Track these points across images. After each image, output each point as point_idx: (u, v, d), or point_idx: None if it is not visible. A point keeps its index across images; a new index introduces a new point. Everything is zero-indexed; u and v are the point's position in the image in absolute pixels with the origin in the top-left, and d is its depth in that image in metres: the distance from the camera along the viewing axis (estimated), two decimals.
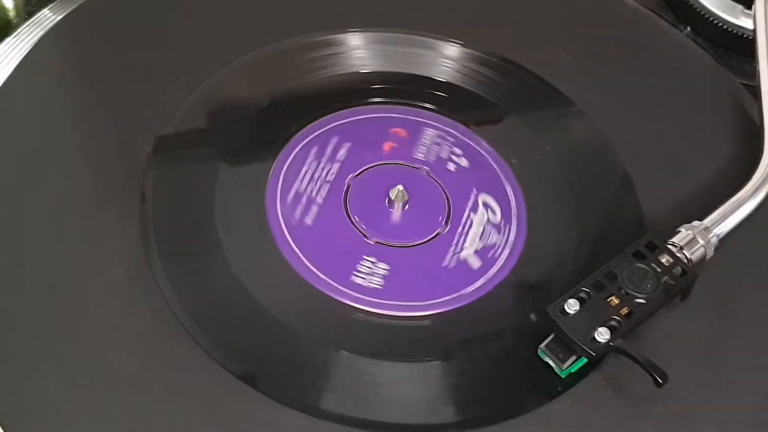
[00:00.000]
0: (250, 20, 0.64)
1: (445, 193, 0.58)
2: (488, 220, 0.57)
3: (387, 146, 0.60)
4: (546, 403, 0.49)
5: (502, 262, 0.55)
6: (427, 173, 0.59)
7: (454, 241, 0.56)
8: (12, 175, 0.54)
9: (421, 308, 0.53)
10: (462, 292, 0.54)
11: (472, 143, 0.61)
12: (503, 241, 0.56)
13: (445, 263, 0.55)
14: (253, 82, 0.61)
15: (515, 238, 0.57)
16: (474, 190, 0.58)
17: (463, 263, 0.55)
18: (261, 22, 0.64)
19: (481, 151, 0.60)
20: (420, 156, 0.60)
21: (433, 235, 0.56)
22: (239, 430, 0.47)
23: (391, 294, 0.53)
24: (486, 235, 0.56)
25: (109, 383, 0.47)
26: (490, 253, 0.56)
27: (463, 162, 0.60)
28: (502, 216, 0.57)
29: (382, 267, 0.54)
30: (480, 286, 0.54)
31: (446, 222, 0.57)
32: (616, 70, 0.65)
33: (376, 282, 0.54)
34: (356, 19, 0.65)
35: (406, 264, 0.55)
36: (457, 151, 0.60)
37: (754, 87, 0.62)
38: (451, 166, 0.59)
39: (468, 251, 0.56)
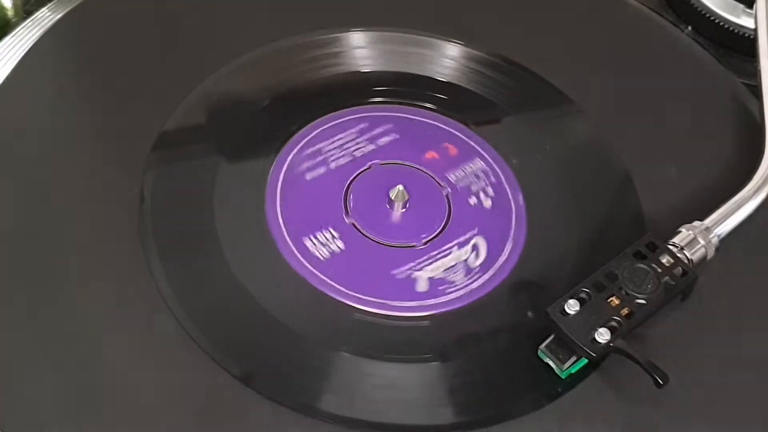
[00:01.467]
0: (249, 19, 0.64)
1: (449, 216, 0.57)
2: (466, 260, 0.56)
3: (429, 154, 0.59)
4: (546, 404, 0.49)
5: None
6: (447, 195, 0.58)
7: (420, 259, 0.55)
8: (11, 175, 0.54)
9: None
10: (387, 301, 0.53)
11: (509, 191, 0.59)
12: (463, 285, 0.55)
13: (395, 272, 0.55)
14: (254, 81, 0.61)
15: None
16: (476, 230, 0.57)
17: (412, 281, 0.54)
18: (262, 21, 0.64)
19: (512, 202, 0.59)
20: (452, 178, 0.59)
21: (408, 244, 0.56)
22: (238, 430, 0.47)
23: (331, 273, 0.53)
24: (453, 270, 0.55)
25: (108, 384, 0.47)
26: (442, 287, 0.54)
27: (487, 203, 0.58)
28: (481, 264, 0.56)
29: (338, 244, 0.55)
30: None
31: (427, 242, 0.56)
32: (617, 69, 0.65)
33: (322, 253, 0.54)
34: (356, 18, 0.65)
35: (362, 254, 0.55)
36: (490, 192, 0.59)
37: (755, 86, 0.62)
38: (473, 200, 0.58)
39: (425, 274, 0.55)
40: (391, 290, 0.53)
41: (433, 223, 0.57)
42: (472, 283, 0.55)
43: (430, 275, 0.54)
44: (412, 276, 0.54)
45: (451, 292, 0.54)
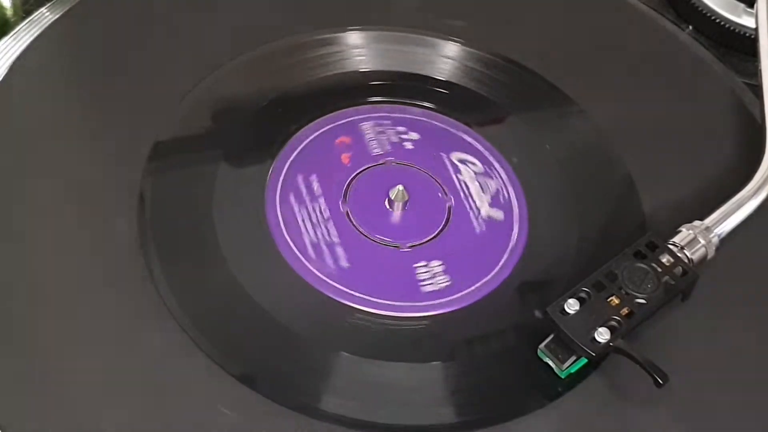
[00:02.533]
0: (249, 19, 0.64)
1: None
2: (474, 173, 0.57)
3: (344, 158, 0.59)
4: (546, 405, 0.49)
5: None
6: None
7: (467, 206, 0.56)
8: (9, 175, 0.54)
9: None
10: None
11: (407, 116, 0.61)
12: (501, 183, 0.57)
13: (476, 230, 0.56)
14: (252, 81, 0.61)
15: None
16: (442, 154, 0.59)
17: (489, 220, 0.56)
18: (261, 21, 0.64)
19: (416, 117, 0.61)
20: (378, 151, 0.59)
21: (446, 213, 0.57)
22: (238, 431, 0.47)
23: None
24: (485, 186, 0.57)
25: (108, 385, 0.47)
26: (501, 199, 0.56)
27: (414, 136, 0.60)
28: (482, 163, 0.57)
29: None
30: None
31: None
32: (617, 69, 0.65)
33: (440, 281, 0.54)
34: (356, 17, 0.65)
35: (450, 250, 0.55)
36: (401, 129, 0.60)
37: (756, 86, 0.61)
38: (408, 145, 0.60)
39: (484, 208, 0.56)
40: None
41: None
42: (501, 175, 0.57)
43: (487, 203, 0.57)
44: (485, 217, 0.56)
45: (509, 196, 0.56)
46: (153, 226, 0.53)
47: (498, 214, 0.57)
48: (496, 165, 0.59)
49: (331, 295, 0.53)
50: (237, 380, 0.48)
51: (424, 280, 0.54)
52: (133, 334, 0.49)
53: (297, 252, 0.54)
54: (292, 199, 0.56)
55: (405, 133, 0.60)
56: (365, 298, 0.53)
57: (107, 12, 0.63)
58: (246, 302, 0.51)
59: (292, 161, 0.58)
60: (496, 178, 0.58)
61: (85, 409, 0.46)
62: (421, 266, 0.54)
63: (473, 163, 0.59)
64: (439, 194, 0.58)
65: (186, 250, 0.53)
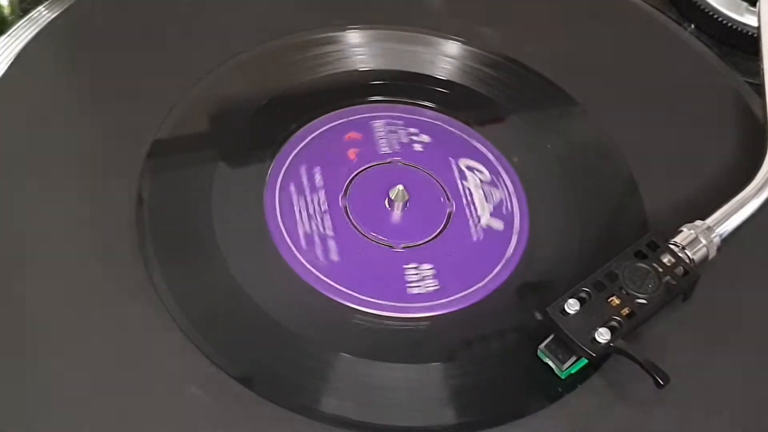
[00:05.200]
0: (248, 18, 0.64)
1: (430, 174, 0.58)
2: (481, 181, 0.57)
3: (351, 154, 0.59)
4: (547, 406, 0.49)
5: (504, 262, 0.55)
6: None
7: (468, 213, 0.56)
8: (7, 175, 0.54)
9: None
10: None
11: (420, 118, 0.61)
12: (506, 194, 0.57)
13: (474, 238, 0.55)
14: (251, 80, 0.61)
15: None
16: (451, 159, 0.59)
17: (488, 229, 0.55)
18: (259, 20, 0.64)
19: (429, 120, 0.61)
20: (386, 150, 0.59)
21: (445, 218, 0.56)
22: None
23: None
24: (489, 195, 0.57)
25: (107, 386, 0.47)
26: (504, 210, 0.56)
27: (425, 138, 0.60)
28: (489, 172, 0.57)
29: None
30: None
31: (448, 199, 0.57)
32: (619, 68, 0.65)
33: (429, 285, 0.54)
34: (355, 16, 0.65)
35: (443, 256, 0.55)
36: (413, 130, 0.60)
37: (759, 85, 0.61)
38: (418, 147, 0.59)
39: (485, 217, 0.56)
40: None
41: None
42: (507, 185, 0.57)
43: (488, 212, 0.56)
44: (483, 226, 0.56)
45: (511, 208, 0.56)
46: (151, 227, 0.53)
47: (498, 224, 0.56)
48: (504, 175, 0.59)
49: (315, 287, 0.53)
50: (236, 381, 0.48)
51: (411, 282, 0.54)
52: (131, 336, 0.49)
53: (288, 240, 0.54)
54: (291, 188, 0.56)
55: (416, 134, 0.60)
56: (349, 293, 0.53)
57: (105, 10, 0.62)
58: (245, 303, 0.51)
59: (296, 154, 0.58)
60: (502, 188, 0.58)
61: (85, 410, 0.46)
62: (411, 268, 0.54)
63: (481, 171, 0.59)
64: (441, 199, 0.57)
65: (184, 251, 0.53)
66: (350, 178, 0.58)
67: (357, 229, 0.56)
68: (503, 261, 0.55)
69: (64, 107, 0.58)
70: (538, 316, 0.51)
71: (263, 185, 0.56)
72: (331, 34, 0.64)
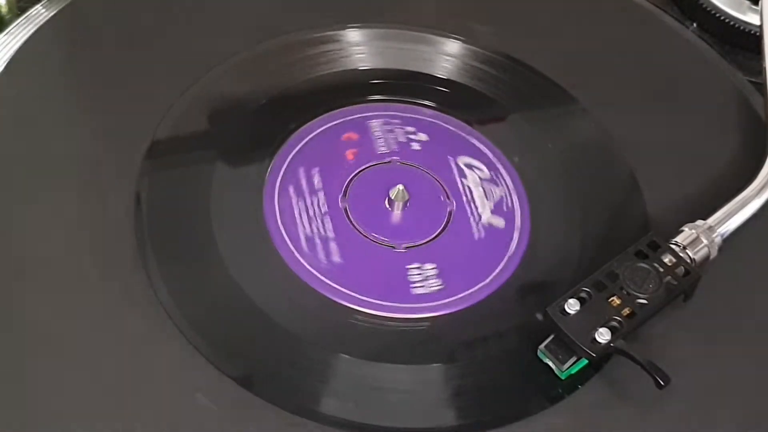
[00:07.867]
0: (246, 18, 0.64)
1: (429, 173, 0.58)
2: (480, 178, 0.57)
3: (349, 154, 0.59)
4: (547, 407, 0.49)
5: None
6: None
7: (468, 212, 0.56)
8: (5, 175, 0.54)
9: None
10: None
11: (417, 116, 0.61)
12: (506, 191, 0.57)
13: (475, 236, 0.55)
14: (251, 80, 0.61)
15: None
16: (449, 157, 0.58)
17: (489, 227, 0.55)
18: (257, 20, 0.64)
19: (427, 119, 0.61)
20: (384, 149, 0.59)
21: (446, 217, 0.56)
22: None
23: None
24: (489, 193, 0.57)
25: (105, 387, 0.47)
26: (504, 206, 0.56)
27: (423, 137, 0.60)
28: (489, 169, 0.57)
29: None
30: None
31: (448, 197, 0.57)
32: (621, 67, 0.65)
33: (433, 285, 0.54)
34: (355, 15, 0.65)
35: (446, 255, 0.55)
36: (410, 129, 0.60)
37: (761, 84, 0.61)
38: (416, 146, 0.59)
39: (486, 214, 0.56)
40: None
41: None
42: (507, 182, 0.57)
43: (489, 210, 0.56)
44: (485, 224, 0.56)
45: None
46: (150, 227, 0.53)
47: (499, 222, 0.56)
48: (504, 172, 0.59)
49: (318, 290, 0.52)
50: (235, 382, 0.48)
51: (415, 282, 0.53)
52: (130, 336, 0.49)
53: (290, 244, 0.54)
54: (291, 191, 0.56)
55: (414, 133, 0.60)
56: (353, 296, 0.52)
57: (103, 8, 0.62)
58: (244, 303, 0.51)
59: (295, 154, 0.58)
60: (502, 185, 0.58)
61: (85, 412, 0.46)
62: (414, 268, 0.54)
63: (480, 169, 0.59)
64: (441, 197, 0.57)
65: (183, 252, 0.53)
66: (349, 179, 0.57)
67: (358, 230, 0.55)
68: (505, 258, 0.55)
69: (62, 106, 0.58)
70: (539, 316, 0.51)
71: (262, 185, 0.56)
72: (329, 33, 0.64)
